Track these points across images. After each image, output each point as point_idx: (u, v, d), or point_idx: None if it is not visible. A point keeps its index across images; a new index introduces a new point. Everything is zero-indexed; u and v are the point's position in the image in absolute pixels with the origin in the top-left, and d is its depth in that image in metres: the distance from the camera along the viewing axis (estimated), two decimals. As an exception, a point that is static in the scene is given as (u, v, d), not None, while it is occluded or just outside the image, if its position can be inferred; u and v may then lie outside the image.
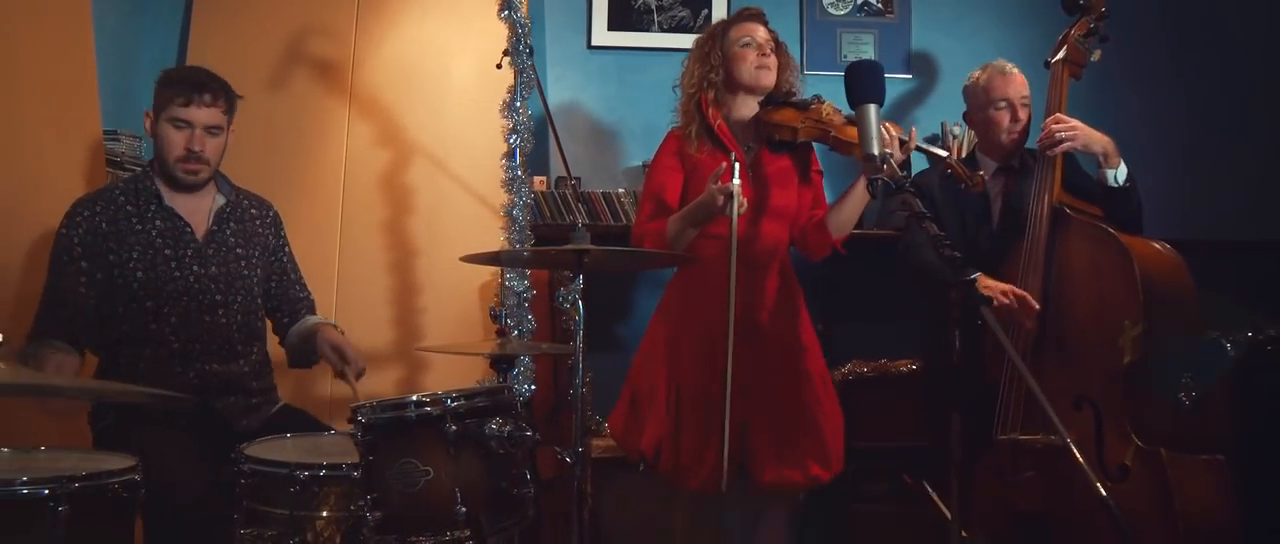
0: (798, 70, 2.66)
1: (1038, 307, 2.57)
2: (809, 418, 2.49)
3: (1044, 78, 2.90)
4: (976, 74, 2.95)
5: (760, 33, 2.56)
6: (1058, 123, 2.71)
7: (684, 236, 2.47)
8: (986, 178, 2.48)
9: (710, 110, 2.56)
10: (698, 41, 2.67)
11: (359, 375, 2.50)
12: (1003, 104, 2.85)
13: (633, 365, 2.62)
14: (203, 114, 2.38)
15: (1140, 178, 2.91)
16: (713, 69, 2.56)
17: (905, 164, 2.61)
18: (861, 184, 2.44)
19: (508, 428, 1.86)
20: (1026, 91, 2.86)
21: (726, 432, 2.27)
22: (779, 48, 2.59)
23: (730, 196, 2.28)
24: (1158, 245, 2.59)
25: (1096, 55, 2.85)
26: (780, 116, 2.52)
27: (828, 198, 2.72)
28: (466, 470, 1.86)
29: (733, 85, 2.57)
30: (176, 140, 2.38)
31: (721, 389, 2.40)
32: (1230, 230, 3.61)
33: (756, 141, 2.56)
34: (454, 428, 1.84)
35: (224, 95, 2.43)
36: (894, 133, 2.38)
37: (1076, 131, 2.69)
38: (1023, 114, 2.84)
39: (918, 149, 2.42)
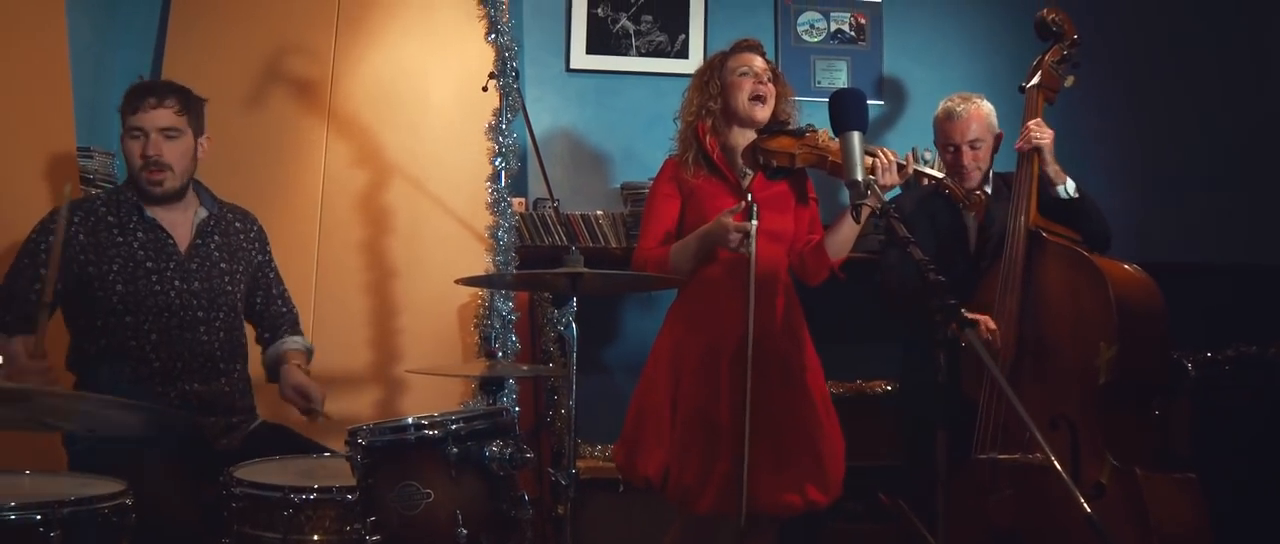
0: (795, 101, 2.70)
1: (1005, 349, 2.65)
2: (809, 442, 2.51)
3: (1017, 102, 2.99)
4: (938, 109, 3.01)
5: (758, 63, 2.62)
6: (1037, 126, 2.82)
7: (687, 265, 2.51)
8: (985, 198, 2.53)
9: (707, 138, 2.60)
10: (697, 71, 2.72)
11: (321, 407, 2.44)
12: (950, 148, 2.93)
13: (636, 392, 2.62)
14: (153, 118, 2.33)
15: (1103, 201, 3.01)
16: (711, 98, 2.60)
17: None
18: None
19: (509, 450, 1.86)
20: (977, 132, 2.90)
21: (745, 461, 2.28)
22: (776, 78, 2.65)
23: (747, 235, 2.31)
24: (1130, 268, 2.67)
25: (1070, 81, 2.92)
26: (777, 143, 2.57)
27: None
28: (468, 493, 1.85)
29: (729, 114, 2.61)
30: (134, 151, 2.34)
31: (730, 416, 2.42)
32: (1190, 252, 3.73)
33: (752, 168, 2.61)
34: (455, 450, 1.83)
35: (175, 96, 2.37)
36: (891, 158, 2.43)
37: (1048, 137, 2.81)
38: (969, 155, 2.89)
39: (916, 172, 2.46)
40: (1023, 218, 2.74)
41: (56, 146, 2.83)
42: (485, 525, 1.87)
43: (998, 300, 2.71)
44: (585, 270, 2.09)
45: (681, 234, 2.58)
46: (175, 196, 2.40)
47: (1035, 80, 2.91)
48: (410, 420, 1.90)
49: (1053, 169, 2.82)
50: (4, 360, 2.07)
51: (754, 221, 2.31)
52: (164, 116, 2.34)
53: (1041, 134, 2.81)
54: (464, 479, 1.85)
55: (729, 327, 2.48)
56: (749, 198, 2.39)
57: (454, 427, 1.86)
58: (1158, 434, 2.72)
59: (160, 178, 2.34)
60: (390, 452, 1.86)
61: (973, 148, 2.90)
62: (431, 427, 1.87)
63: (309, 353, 2.59)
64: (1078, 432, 2.55)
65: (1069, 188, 2.83)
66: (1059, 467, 1.90)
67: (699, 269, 2.54)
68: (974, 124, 2.91)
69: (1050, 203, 2.85)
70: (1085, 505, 1.88)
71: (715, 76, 2.62)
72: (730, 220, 2.38)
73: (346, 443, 1.89)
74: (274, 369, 2.55)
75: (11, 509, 1.65)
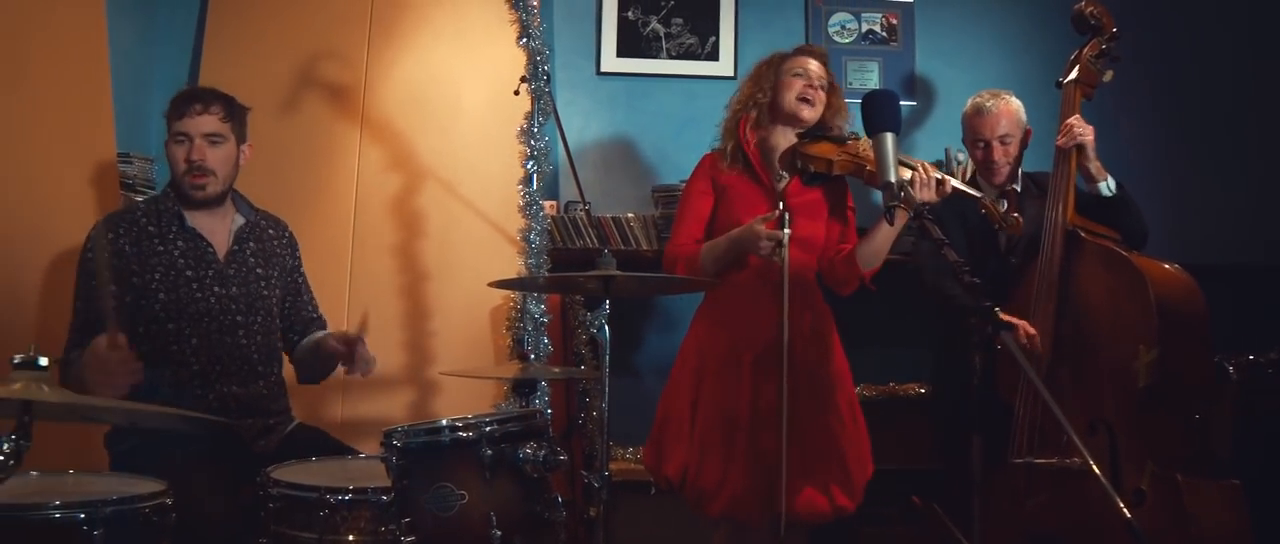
0: (848, 115, 2.68)
1: (1042, 351, 2.61)
2: (835, 447, 2.51)
3: (1048, 102, 2.95)
4: (966, 105, 2.99)
5: (814, 67, 2.62)
6: (1079, 122, 2.77)
7: (715, 267, 2.52)
8: (1021, 222, 2.51)
9: (747, 131, 2.59)
10: (755, 65, 2.73)
11: (366, 369, 2.40)
12: (980, 144, 2.90)
13: (663, 392, 2.63)
14: (198, 123, 2.36)
15: (1140, 202, 2.95)
16: (761, 91, 2.61)
17: None
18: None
19: (542, 452, 1.87)
20: (1007, 127, 2.87)
21: (784, 468, 2.27)
22: (832, 88, 2.64)
23: (779, 244, 2.30)
24: (1170, 267, 2.61)
25: (1108, 76, 2.87)
26: (816, 149, 2.55)
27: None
28: (502, 494, 1.85)
29: (775, 110, 2.61)
30: (178, 156, 2.37)
31: (751, 420, 2.41)
32: (1230, 253, 3.67)
33: (789, 171, 2.59)
34: (489, 452, 1.84)
35: (220, 103, 2.41)
36: (930, 174, 2.40)
37: (1090, 133, 2.77)
38: (999, 150, 2.86)
39: (955, 190, 2.44)
40: (1059, 217, 2.70)
41: (98, 154, 2.88)
42: (519, 527, 1.87)
43: (1034, 302, 2.67)
44: (618, 273, 2.09)
45: (712, 232, 2.58)
46: (216, 202, 2.43)
47: (1073, 75, 2.85)
48: (445, 422, 1.91)
49: (1094, 166, 2.78)
50: (87, 357, 2.09)
51: (786, 230, 2.30)
52: (209, 122, 2.37)
53: (1084, 130, 2.76)
54: (498, 481, 1.86)
55: (753, 331, 2.47)
56: (782, 206, 2.38)
57: (488, 429, 1.87)
58: (1199, 439, 2.67)
59: (203, 182, 2.37)
60: (425, 453, 1.87)
61: (1002, 143, 2.87)
62: (466, 429, 1.88)
63: None
64: (1117, 436, 2.51)
65: (1110, 185, 2.79)
66: (1099, 472, 1.88)
67: (727, 272, 2.53)
68: (1004, 119, 2.88)
69: (1087, 201, 2.81)
70: (1125, 510, 1.85)
71: (770, 72, 2.63)
72: (762, 228, 2.37)
73: (381, 444, 1.90)
74: (307, 361, 2.54)
75: (56, 508, 1.68)
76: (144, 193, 3.00)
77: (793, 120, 2.59)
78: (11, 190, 2.54)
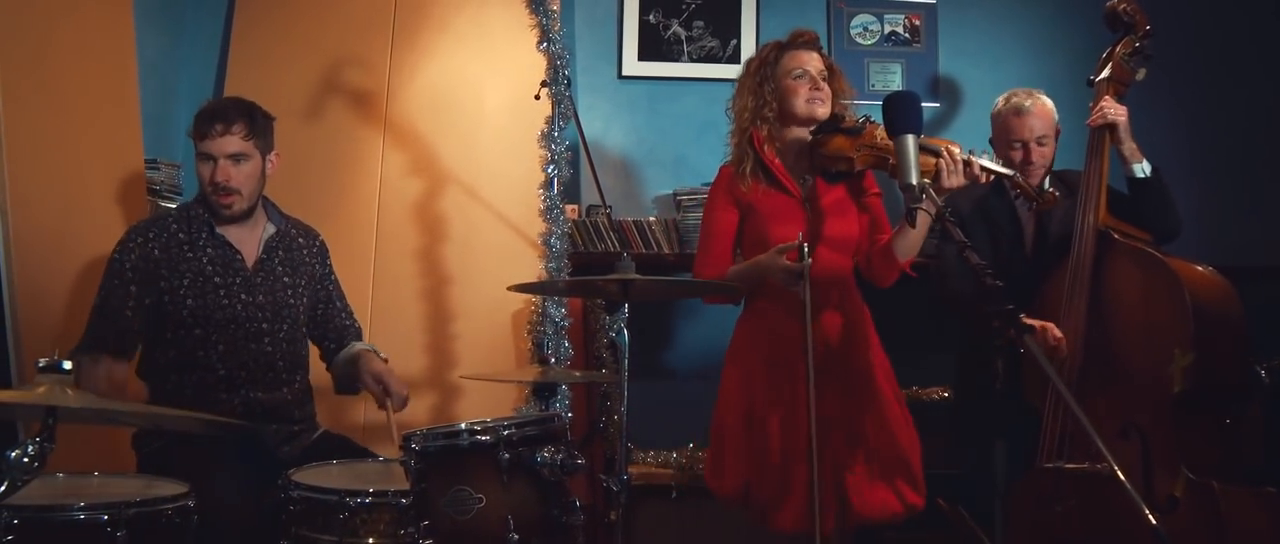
0: (852, 93, 2.57)
1: (1072, 354, 2.56)
2: (896, 445, 2.45)
3: (1074, 102, 2.91)
4: (999, 104, 2.92)
5: (814, 62, 2.49)
6: (1110, 103, 2.71)
7: (742, 288, 2.45)
8: (1056, 196, 2.46)
9: (764, 147, 2.49)
10: (749, 66, 2.55)
11: (400, 407, 2.48)
12: (1017, 145, 2.83)
13: (715, 410, 2.55)
14: (221, 144, 2.36)
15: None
16: (765, 104, 2.48)
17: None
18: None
19: (560, 456, 1.87)
20: (1043, 128, 2.81)
21: (814, 473, 2.22)
22: (832, 73, 2.52)
23: (801, 276, 2.24)
24: (1205, 270, 2.55)
25: (1141, 74, 2.79)
26: (834, 147, 2.46)
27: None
28: (519, 498, 1.86)
29: (786, 118, 2.49)
30: (204, 174, 2.39)
31: (808, 430, 2.38)
32: (1255, 256, 3.60)
33: (811, 172, 2.52)
34: (507, 456, 1.85)
35: (244, 119, 2.39)
36: (957, 156, 2.30)
37: (1123, 114, 2.71)
38: (1037, 151, 2.81)
39: (983, 169, 2.33)
40: (1091, 217, 2.64)
41: (126, 160, 2.92)
42: (537, 530, 1.88)
43: (1064, 304, 2.62)
44: (637, 276, 2.09)
45: (741, 247, 2.52)
46: (245, 216, 2.45)
47: (1105, 73, 2.79)
48: (463, 426, 1.92)
49: (1129, 147, 2.72)
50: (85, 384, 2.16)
51: (807, 261, 2.25)
52: (231, 143, 2.37)
53: (1117, 110, 2.70)
54: (515, 485, 1.86)
55: (795, 340, 2.42)
56: (800, 237, 2.32)
57: (506, 432, 1.88)
58: (1231, 445, 2.62)
59: (230, 202, 2.39)
60: (443, 456, 1.88)
61: (1040, 144, 2.82)
62: (484, 432, 1.89)
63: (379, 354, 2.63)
64: (1149, 442, 2.46)
65: (1145, 168, 2.73)
66: (1123, 476, 1.84)
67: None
68: (1042, 119, 2.82)
69: (1118, 199, 2.75)
70: (1151, 517, 1.81)
71: (769, 78, 2.49)
72: (783, 260, 2.31)
73: (401, 448, 1.91)
74: (345, 373, 2.57)
75: (81, 509, 1.72)
76: (171, 198, 3.04)
77: (807, 122, 2.49)
78: (40, 196, 2.58)
